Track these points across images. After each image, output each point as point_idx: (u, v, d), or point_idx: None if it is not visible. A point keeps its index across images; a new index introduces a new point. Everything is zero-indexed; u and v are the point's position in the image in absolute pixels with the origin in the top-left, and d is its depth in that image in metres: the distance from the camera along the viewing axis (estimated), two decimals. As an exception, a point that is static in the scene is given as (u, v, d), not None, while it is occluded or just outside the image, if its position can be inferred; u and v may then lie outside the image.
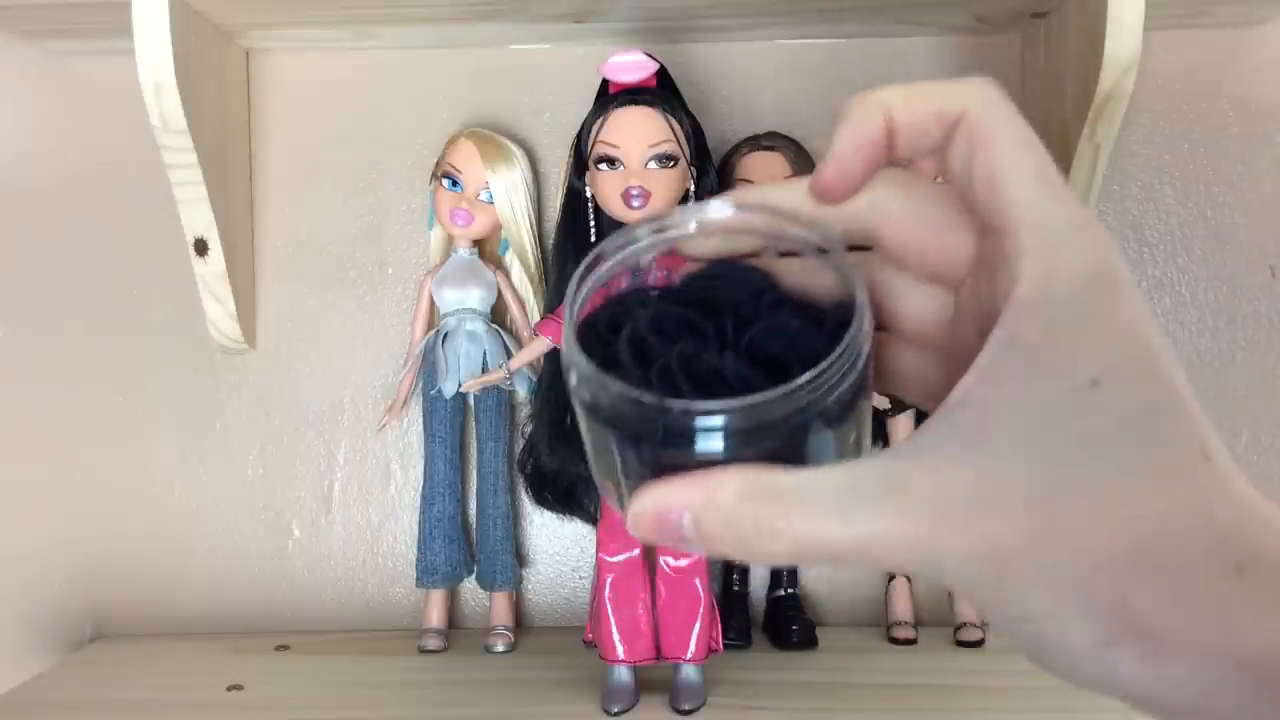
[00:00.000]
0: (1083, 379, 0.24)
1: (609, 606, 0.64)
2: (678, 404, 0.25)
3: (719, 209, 0.29)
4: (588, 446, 0.28)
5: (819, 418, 0.25)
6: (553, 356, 0.70)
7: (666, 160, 0.65)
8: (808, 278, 0.29)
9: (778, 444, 0.25)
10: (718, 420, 0.25)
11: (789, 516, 0.24)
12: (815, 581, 0.79)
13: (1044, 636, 0.24)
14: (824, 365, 0.25)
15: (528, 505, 0.77)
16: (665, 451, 0.25)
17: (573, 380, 0.27)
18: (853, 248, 0.29)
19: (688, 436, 0.25)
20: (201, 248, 0.73)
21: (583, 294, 0.28)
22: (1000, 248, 0.26)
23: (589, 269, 0.29)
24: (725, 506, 0.24)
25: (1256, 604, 0.22)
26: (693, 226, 0.29)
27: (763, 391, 0.24)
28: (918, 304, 0.29)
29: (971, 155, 0.26)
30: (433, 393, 0.74)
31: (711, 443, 0.25)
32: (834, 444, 0.27)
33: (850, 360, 0.25)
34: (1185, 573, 0.23)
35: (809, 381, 0.25)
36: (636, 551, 0.64)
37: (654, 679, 0.64)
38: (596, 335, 0.28)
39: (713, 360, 0.26)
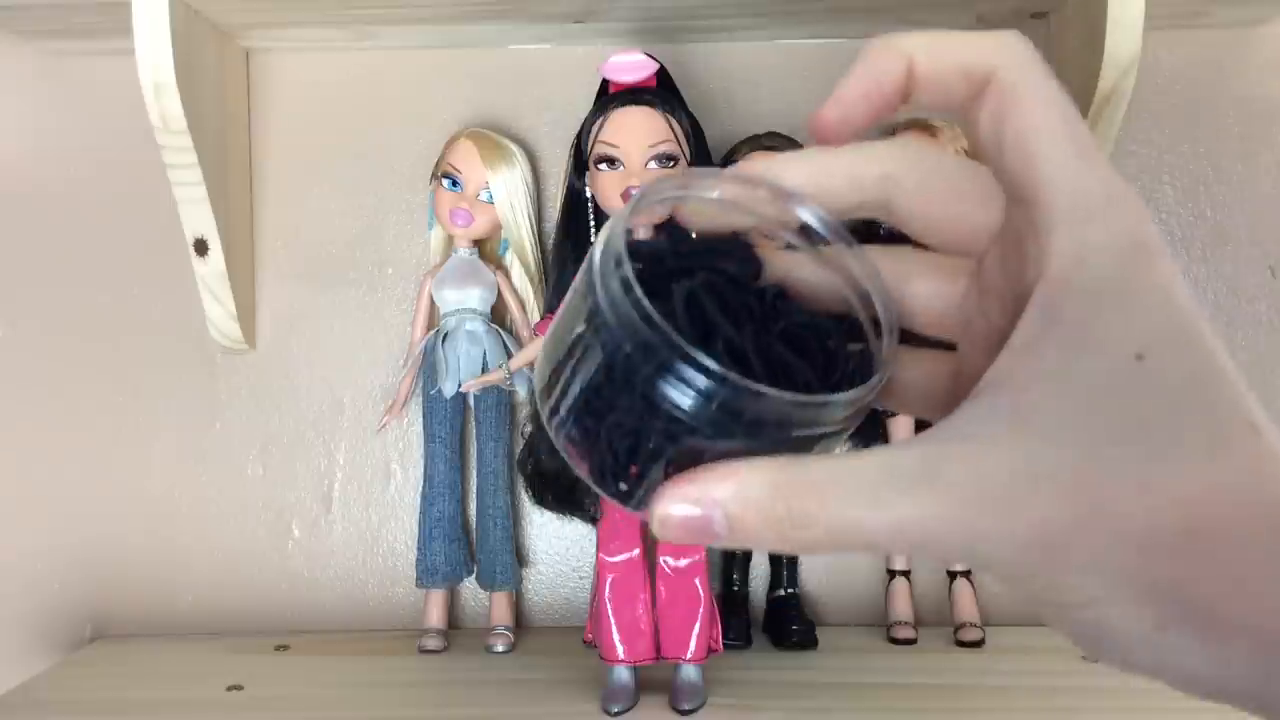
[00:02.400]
0: (1127, 353, 0.23)
1: (609, 606, 0.64)
2: (789, 396, 0.23)
3: (726, 187, 0.28)
4: (581, 409, 0.25)
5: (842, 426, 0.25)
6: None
7: (666, 160, 0.65)
8: (799, 271, 0.28)
9: (800, 442, 0.24)
10: (822, 413, 0.24)
11: (824, 504, 0.23)
12: (815, 581, 0.79)
13: (1095, 624, 0.23)
14: (881, 375, 0.25)
15: (528, 505, 0.77)
16: (710, 440, 0.24)
17: (610, 319, 0.24)
18: (862, 230, 0.28)
19: (758, 424, 0.23)
20: (201, 248, 0.73)
21: (620, 231, 0.25)
22: (1031, 219, 0.24)
23: (629, 210, 0.26)
24: (757, 499, 0.23)
25: None
26: (716, 192, 0.28)
27: (854, 389, 0.24)
28: (924, 294, 0.28)
29: (1002, 119, 0.25)
30: (433, 393, 0.74)
31: (773, 432, 0.23)
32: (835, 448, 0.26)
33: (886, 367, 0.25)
34: (1241, 552, 0.22)
35: (874, 386, 0.24)
36: (636, 551, 0.65)
37: (654, 679, 0.64)
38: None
39: (779, 349, 0.25)
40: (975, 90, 0.25)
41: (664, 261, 0.27)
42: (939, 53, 0.26)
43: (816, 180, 0.27)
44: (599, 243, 0.25)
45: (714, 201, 0.28)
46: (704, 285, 0.25)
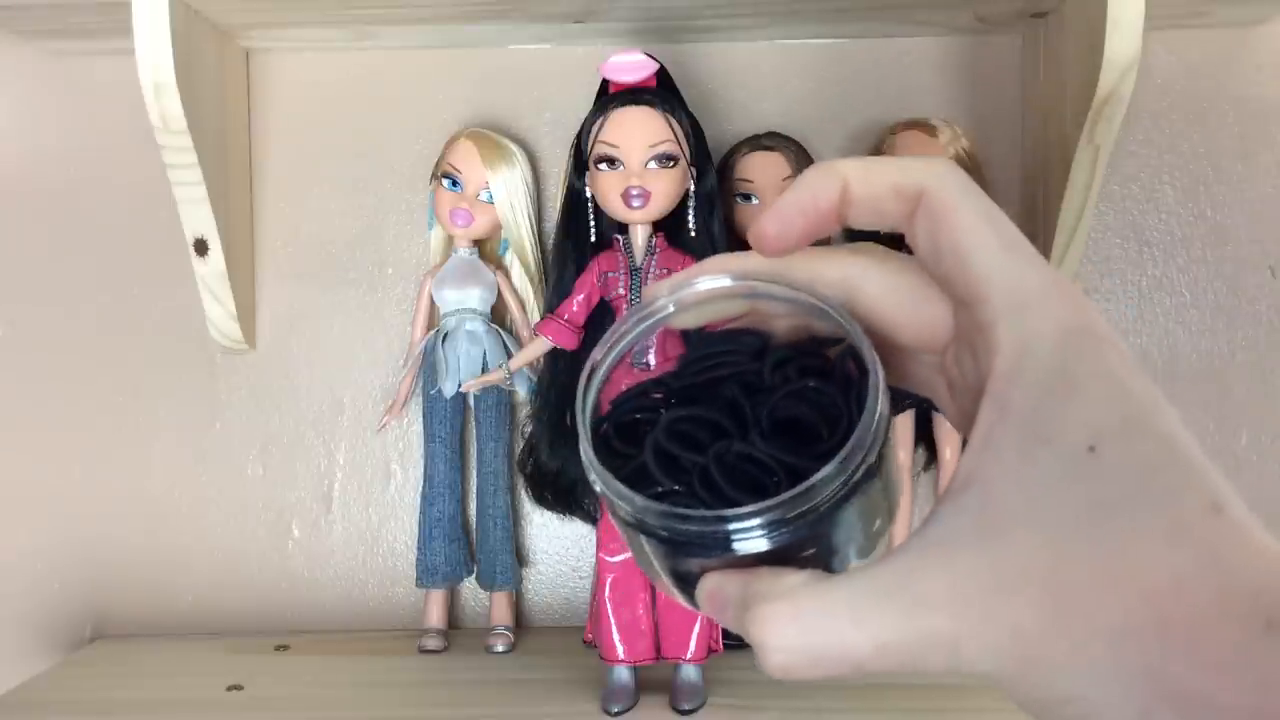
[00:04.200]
0: (1079, 444, 0.23)
1: (609, 606, 0.64)
2: (728, 514, 0.25)
3: (702, 284, 0.29)
4: (632, 549, 0.29)
5: (854, 492, 0.25)
6: (553, 356, 0.70)
7: (666, 160, 0.65)
8: (802, 319, 0.29)
9: (817, 527, 0.25)
10: (765, 518, 0.25)
11: (801, 623, 0.24)
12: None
13: (1081, 719, 0.23)
14: (860, 428, 0.25)
15: (528, 505, 0.77)
16: (712, 558, 0.26)
17: (610, 499, 0.27)
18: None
19: (729, 542, 0.25)
20: (201, 248, 0.73)
21: (588, 409, 0.29)
22: (975, 319, 0.26)
23: (587, 383, 0.29)
24: (735, 611, 0.25)
25: None
26: (671, 307, 0.30)
27: (810, 473, 0.25)
28: (918, 322, 0.29)
29: (935, 231, 0.26)
30: (433, 393, 0.74)
31: (753, 544, 0.25)
32: (866, 513, 0.27)
33: (875, 418, 0.25)
34: (1213, 635, 0.22)
35: (849, 453, 0.25)
36: (636, 551, 0.65)
37: (654, 679, 0.64)
38: (608, 447, 0.28)
39: (743, 449, 0.26)
40: (907, 208, 0.27)
41: (660, 389, 0.29)
42: (871, 174, 0.27)
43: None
44: (581, 434, 0.28)
45: (690, 314, 0.30)
46: (677, 422, 0.28)
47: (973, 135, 0.73)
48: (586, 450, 0.28)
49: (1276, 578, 0.22)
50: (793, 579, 0.24)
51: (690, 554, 0.26)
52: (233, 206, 0.75)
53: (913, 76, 0.78)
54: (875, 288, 0.28)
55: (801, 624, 0.24)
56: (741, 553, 0.25)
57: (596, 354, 0.30)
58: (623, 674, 0.63)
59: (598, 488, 0.27)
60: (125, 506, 0.80)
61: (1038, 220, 0.74)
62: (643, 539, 0.27)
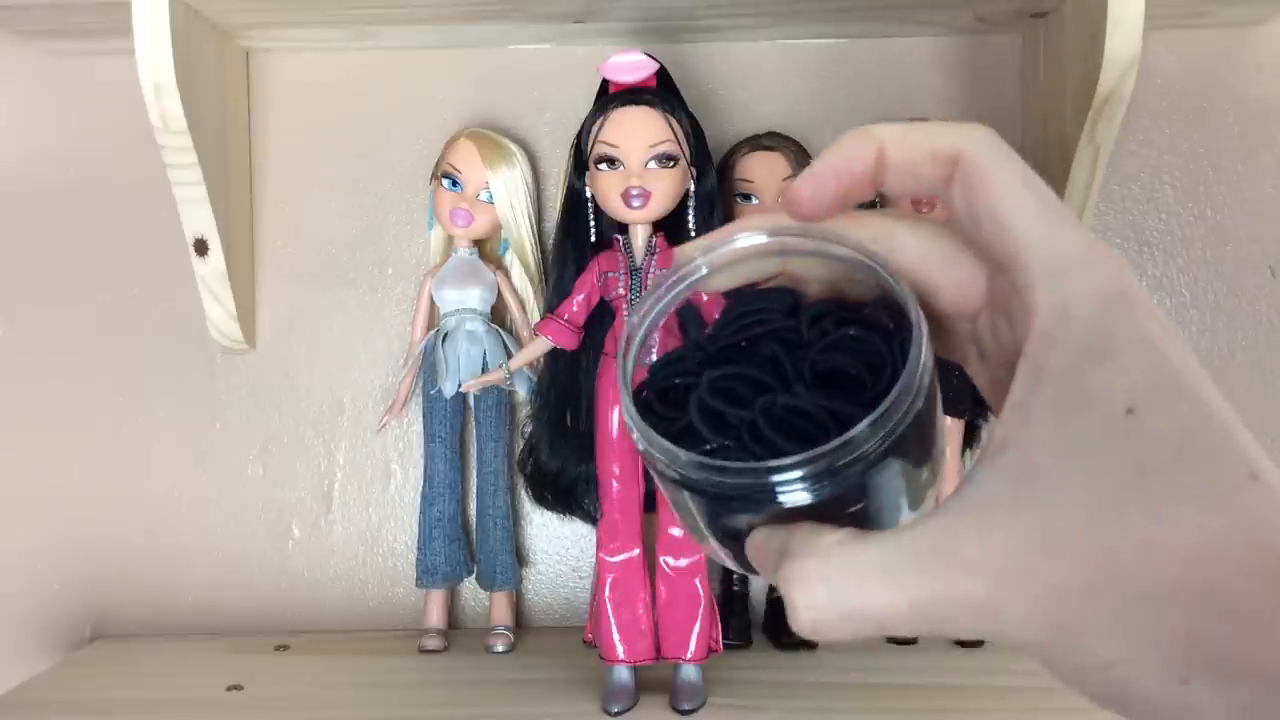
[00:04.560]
0: (1117, 407, 0.23)
1: (609, 606, 0.64)
2: (769, 465, 0.24)
3: (739, 241, 0.29)
4: (681, 513, 0.28)
5: (900, 443, 0.25)
6: (553, 356, 0.70)
7: (666, 160, 0.65)
8: (835, 281, 0.29)
9: (864, 477, 0.25)
10: (810, 468, 0.24)
11: (831, 582, 0.24)
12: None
13: (1118, 683, 0.23)
14: (905, 374, 0.25)
15: (528, 505, 0.77)
16: (757, 513, 0.26)
17: (654, 457, 0.27)
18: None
19: (774, 493, 0.25)
20: (201, 248, 0.73)
21: (628, 375, 0.29)
22: (1012, 283, 0.25)
23: (625, 350, 0.29)
24: (774, 566, 0.25)
25: None
26: (704, 269, 0.29)
27: (859, 417, 0.24)
28: (952, 286, 0.29)
29: (972, 195, 0.26)
30: (433, 393, 0.74)
31: (798, 495, 0.25)
32: (913, 465, 0.26)
33: (920, 364, 0.25)
34: (1251, 600, 0.22)
35: (896, 400, 0.24)
36: (636, 551, 0.65)
37: (654, 679, 0.64)
38: (650, 411, 0.28)
39: (789, 401, 0.26)
40: (943, 173, 0.27)
41: (698, 354, 0.29)
42: (909, 138, 0.27)
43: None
44: (623, 395, 0.28)
45: (725, 274, 0.30)
46: (720, 379, 0.27)
47: (973, 135, 0.73)
48: (630, 410, 0.27)
49: None
50: (830, 537, 0.24)
51: (734, 509, 0.26)
52: (233, 206, 0.75)
53: (913, 76, 0.78)
54: (909, 252, 0.28)
55: (832, 584, 0.23)
56: (788, 505, 0.25)
57: (633, 319, 0.29)
58: (623, 674, 0.63)
59: (641, 447, 0.27)
60: (125, 506, 0.80)
61: (1038, 220, 0.74)
62: (687, 496, 0.26)
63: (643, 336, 0.29)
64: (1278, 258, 0.78)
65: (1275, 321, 0.78)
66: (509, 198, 0.74)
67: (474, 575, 0.78)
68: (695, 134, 0.67)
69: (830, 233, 0.28)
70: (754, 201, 0.72)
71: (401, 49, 0.79)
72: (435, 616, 0.75)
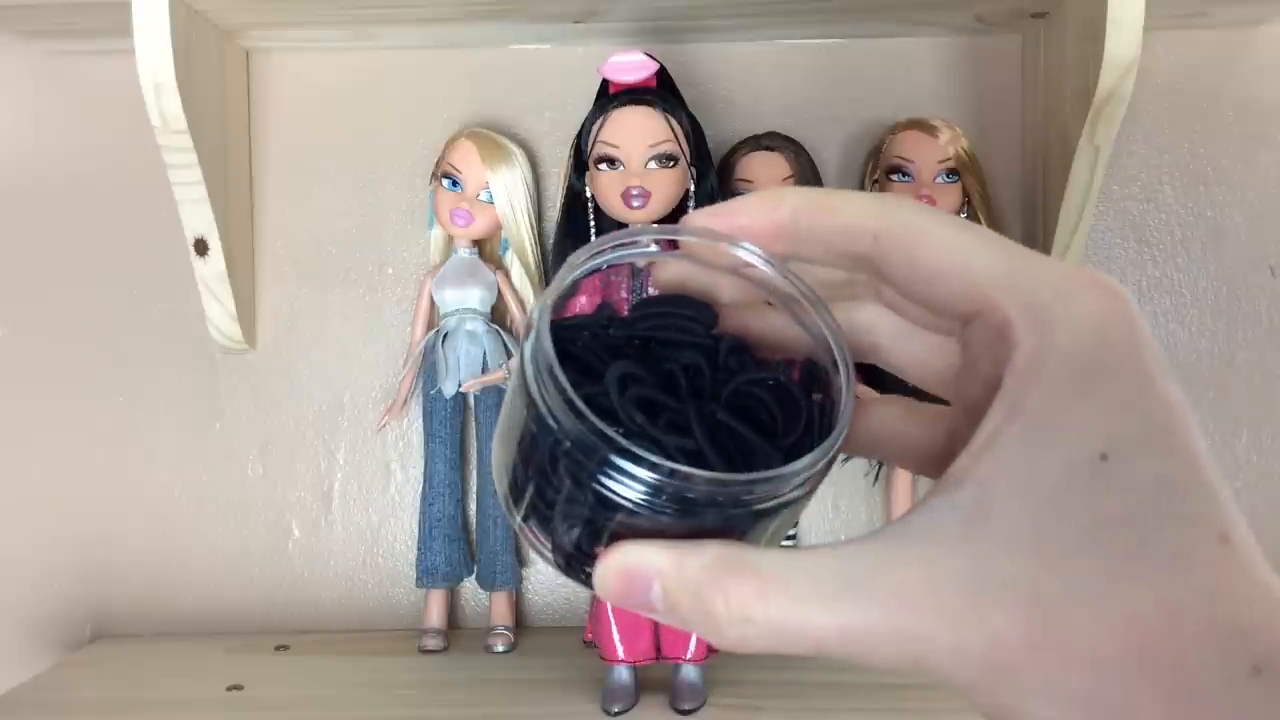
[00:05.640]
0: (1090, 451, 0.21)
1: (609, 606, 0.64)
2: (733, 478, 0.23)
3: (741, 253, 0.27)
4: (526, 480, 0.25)
5: (815, 488, 0.24)
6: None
7: (666, 160, 0.65)
8: (758, 321, 0.28)
9: (743, 519, 0.24)
10: (777, 485, 0.23)
11: (768, 599, 0.22)
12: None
13: None
14: (837, 432, 0.24)
15: (528, 505, 0.77)
16: (667, 523, 0.23)
17: (549, 419, 0.23)
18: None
19: (712, 504, 0.23)
20: (201, 248, 0.73)
21: (545, 314, 0.25)
22: (989, 326, 0.24)
23: (551, 296, 0.26)
24: (696, 580, 0.23)
25: (1272, 708, 0.20)
26: (652, 247, 0.28)
27: (807, 456, 0.23)
28: (919, 349, 0.28)
29: (913, 256, 0.24)
30: (433, 393, 0.75)
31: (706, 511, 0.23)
32: (776, 528, 0.25)
33: (846, 420, 0.25)
34: (1197, 675, 0.20)
35: (829, 447, 0.24)
36: (636, 551, 0.64)
37: (654, 679, 0.64)
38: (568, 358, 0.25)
39: (725, 417, 0.24)
40: (858, 249, 0.25)
41: (607, 331, 0.27)
42: (821, 206, 0.26)
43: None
44: (527, 332, 0.25)
45: (672, 258, 0.28)
46: (643, 360, 0.25)
47: (972, 135, 0.73)
48: (551, 356, 0.24)
49: (1269, 619, 0.21)
50: (763, 556, 0.23)
51: (656, 509, 0.23)
52: (233, 206, 0.75)
53: (913, 76, 0.78)
54: (885, 331, 0.27)
55: (769, 604, 0.22)
56: (755, 509, 0.23)
57: (576, 259, 0.27)
58: (623, 674, 0.63)
59: (546, 400, 0.23)
60: (125, 506, 0.80)
61: (1038, 220, 0.74)
62: (570, 462, 0.24)
63: (569, 286, 0.27)
64: (1278, 258, 0.78)
65: (1275, 321, 0.78)
66: (509, 198, 0.74)
67: (474, 575, 0.78)
68: (695, 134, 0.67)
69: (818, 300, 0.27)
70: (754, 201, 0.72)
71: (401, 49, 0.79)
72: (435, 616, 0.75)
